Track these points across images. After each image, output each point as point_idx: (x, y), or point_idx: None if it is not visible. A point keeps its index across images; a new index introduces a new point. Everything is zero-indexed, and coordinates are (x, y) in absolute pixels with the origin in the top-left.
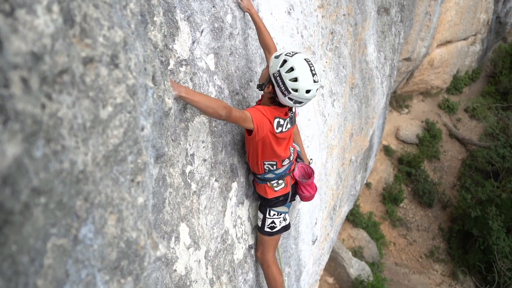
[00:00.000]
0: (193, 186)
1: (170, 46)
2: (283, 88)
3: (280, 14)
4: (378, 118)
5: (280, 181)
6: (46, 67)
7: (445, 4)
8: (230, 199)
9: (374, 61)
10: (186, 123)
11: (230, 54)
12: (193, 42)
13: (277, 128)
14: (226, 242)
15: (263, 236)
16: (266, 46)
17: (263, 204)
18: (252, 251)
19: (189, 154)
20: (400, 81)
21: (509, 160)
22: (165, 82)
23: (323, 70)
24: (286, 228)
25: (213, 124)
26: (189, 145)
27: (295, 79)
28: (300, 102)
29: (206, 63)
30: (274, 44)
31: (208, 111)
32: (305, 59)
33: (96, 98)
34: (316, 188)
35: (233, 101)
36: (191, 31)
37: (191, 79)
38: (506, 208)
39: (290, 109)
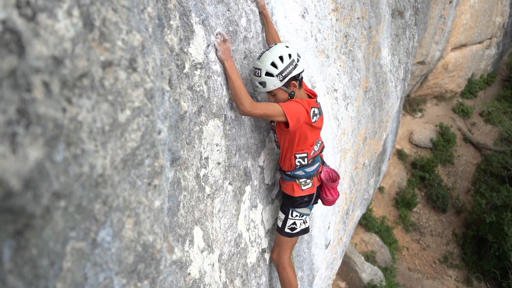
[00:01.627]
0: (207, 189)
1: (185, 50)
2: (292, 67)
3: (294, 17)
4: (392, 122)
5: (308, 181)
6: (66, 71)
7: (460, 7)
8: (244, 202)
9: (388, 65)
10: (200, 126)
11: (244, 57)
12: (208, 46)
13: (313, 118)
14: (239, 245)
15: (282, 237)
16: (274, 40)
17: (287, 204)
18: (265, 255)
19: (203, 157)
20: (414, 84)
21: None
22: (181, 85)
23: (337, 74)
24: (306, 231)
25: (227, 128)
26: (203, 148)
27: (281, 58)
28: (299, 57)
29: (220, 66)
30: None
31: (234, 94)
32: (259, 58)
33: (115, 101)
34: (339, 194)
35: None
36: (205, 34)
37: (205, 82)
38: None
39: (316, 100)
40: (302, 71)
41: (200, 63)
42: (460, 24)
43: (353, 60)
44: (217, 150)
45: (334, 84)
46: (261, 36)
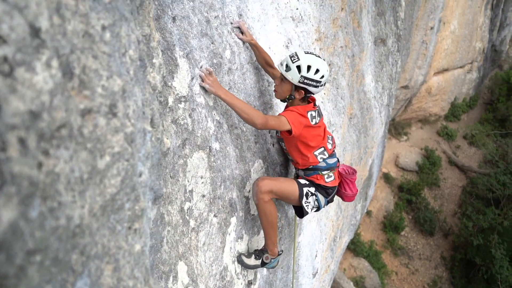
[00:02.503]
0: (192, 223)
1: (169, 84)
2: (314, 83)
3: (279, 48)
4: (377, 147)
5: (331, 173)
6: (44, 124)
7: (441, 33)
8: (229, 234)
9: (372, 91)
10: (184, 159)
11: (229, 88)
12: (192, 79)
13: (312, 120)
14: (225, 279)
15: (293, 184)
16: (267, 63)
17: (312, 184)
18: (252, 287)
19: (187, 191)
20: (399, 108)
21: (509, 187)
22: (164, 122)
23: (321, 102)
24: (304, 214)
25: (212, 159)
26: (188, 182)
27: (317, 71)
28: (325, 82)
29: (205, 98)
30: (271, 58)
31: (243, 116)
32: (306, 53)
33: (94, 149)
34: (357, 190)
35: (231, 135)
36: (190, 67)
37: (189, 115)
38: (509, 236)
39: (314, 103)
40: (314, 94)
41: (184, 96)
42: (442, 49)
43: (337, 88)
44: (202, 183)
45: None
46: (245, 67)
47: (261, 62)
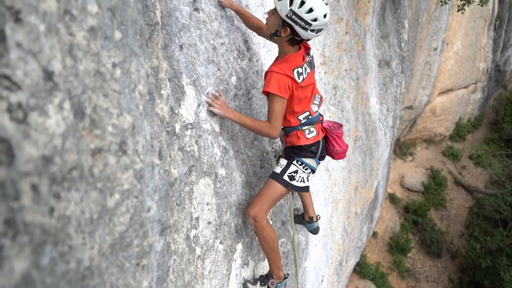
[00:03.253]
0: (198, 251)
1: (176, 111)
2: (302, 23)
3: None
4: (383, 169)
5: (312, 128)
6: (56, 168)
7: (444, 53)
8: (235, 261)
9: (377, 113)
10: (191, 186)
11: None
12: (199, 105)
13: (298, 78)
14: None
15: (273, 185)
16: (256, 25)
17: (292, 153)
18: None
19: (193, 218)
20: (403, 128)
21: None
22: (171, 152)
23: None
24: (304, 189)
25: (218, 185)
26: (194, 209)
27: (310, 10)
28: (320, 30)
29: (211, 125)
30: (260, 20)
31: (257, 132)
32: None
33: (104, 188)
34: (347, 145)
35: (237, 160)
36: (196, 94)
37: (196, 142)
38: None
39: (308, 52)
40: (307, 40)
41: (191, 123)
42: (446, 70)
43: (342, 111)
44: (208, 209)
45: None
46: (251, 92)
47: (252, 27)
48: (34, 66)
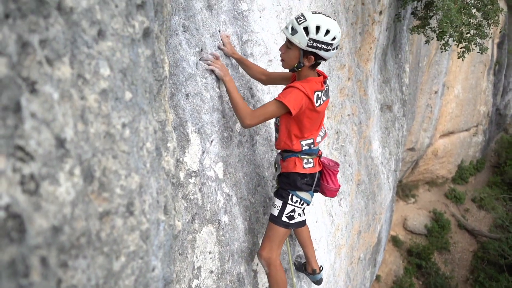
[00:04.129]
0: None
1: (181, 159)
2: (325, 46)
3: None
4: (385, 212)
5: (310, 159)
6: (64, 238)
7: (445, 97)
8: None
9: (379, 157)
10: (193, 234)
11: (238, 161)
12: (203, 153)
13: (316, 102)
14: None
15: (277, 229)
16: (260, 72)
17: (287, 186)
18: None
19: (195, 267)
20: (405, 170)
21: None
22: (175, 205)
23: None
24: (302, 224)
25: (221, 233)
26: (196, 258)
27: (327, 32)
28: (338, 45)
29: (215, 171)
30: (262, 68)
31: (234, 109)
32: (313, 13)
33: (110, 251)
34: (339, 185)
35: (240, 207)
36: (201, 142)
37: (200, 189)
38: None
39: (325, 81)
40: (326, 59)
41: (195, 171)
42: (447, 113)
43: (345, 155)
44: (210, 258)
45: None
46: (255, 139)
47: (255, 75)
48: (47, 135)
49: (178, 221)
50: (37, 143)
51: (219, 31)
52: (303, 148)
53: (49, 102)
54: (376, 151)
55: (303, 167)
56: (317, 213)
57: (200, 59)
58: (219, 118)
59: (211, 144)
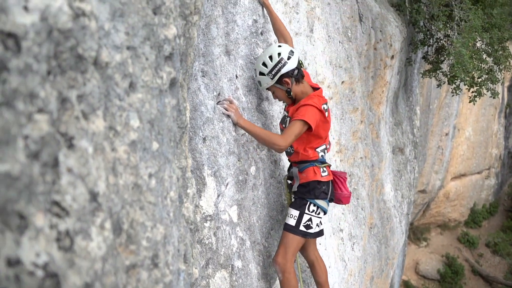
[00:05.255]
0: None
1: (197, 203)
2: (280, 65)
3: None
4: (398, 257)
5: (324, 169)
6: None
7: (456, 139)
8: None
9: (391, 200)
10: (207, 280)
11: (252, 204)
12: (218, 196)
13: (325, 112)
14: None
15: (293, 237)
16: (282, 34)
17: (305, 194)
18: None
19: None
20: (417, 213)
21: None
22: (193, 251)
23: (342, 213)
24: (320, 233)
25: (234, 278)
26: None
27: (270, 58)
28: (288, 51)
29: (229, 215)
30: (289, 33)
31: (265, 142)
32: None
33: None
34: (350, 192)
35: (254, 251)
36: (216, 185)
37: (214, 233)
38: None
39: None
40: (296, 68)
41: (210, 215)
42: (458, 155)
43: (358, 199)
44: None
45: (339, 224)
46: (269, 182)
47: (277, 32)
48: (82, 189)
49: (195, 268)
50: (73, 198)
51: (236, 76)
52: (320, 155)
53: (84, 157)
54: (389, 194)
55: (321, 175)
56: (330, 258)
57: (217, 103)
58: (235, 162)
59: (226, 188)
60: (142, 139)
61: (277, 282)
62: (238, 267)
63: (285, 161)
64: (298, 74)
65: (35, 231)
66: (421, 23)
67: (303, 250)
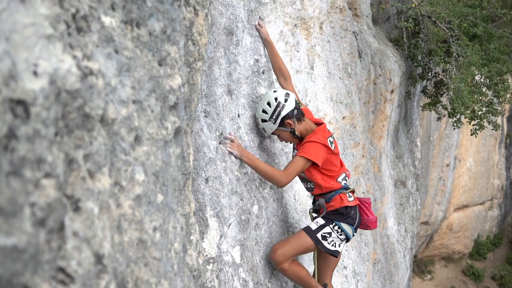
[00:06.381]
0: None
1: (200, 249)
2: (279, 109)
3: (302, 196)
4: None
5: (350, 194)
6: None
7: (457, 170)
8: None
9: (395, 235)
10: None
11: (255, 244)
12: (221, 237)
13: (331, 145)
14: None
15: (304, 238)
16: (281, 72)
17: (332, 216)
18: None
19: None
20: (420, 245)
21: None
22: None
23: (346, 250)
24: (333, 253)
25: None
26: None
27: (268, 104)
28: (283, 94)
29: (232, 256)
30: (288, 71)
31: (267, 178)
32: (261, 96)
33: None
34: (376, 217)
35: None
36: (219, 226)
37: (217, 276)
38: None
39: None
40: (294, 108)
41: (213, 257)
42: (460, 186)
43: (361, 234)
44: None
45: (343, 261)
46: (271, 220)
47: (276, 69)
48: (88, 253)
49: None
50: (78, 263)
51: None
52: (342, 183)
53: (90, 219)
54: (392, 228)
55: (348, 201)
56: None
57: (219, 143)
58: (237, 201)
59: (228, 228)
60: (147, 193)
61: None
62: None
63: (287, 199)
64: (298, 113)
65: None
66: (419, 58)
67: (320, 274)
